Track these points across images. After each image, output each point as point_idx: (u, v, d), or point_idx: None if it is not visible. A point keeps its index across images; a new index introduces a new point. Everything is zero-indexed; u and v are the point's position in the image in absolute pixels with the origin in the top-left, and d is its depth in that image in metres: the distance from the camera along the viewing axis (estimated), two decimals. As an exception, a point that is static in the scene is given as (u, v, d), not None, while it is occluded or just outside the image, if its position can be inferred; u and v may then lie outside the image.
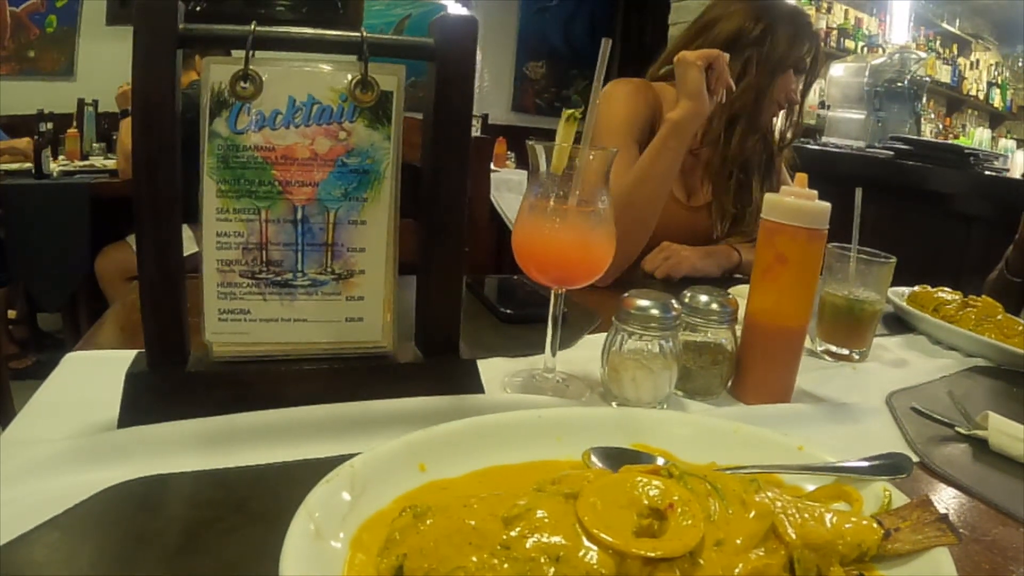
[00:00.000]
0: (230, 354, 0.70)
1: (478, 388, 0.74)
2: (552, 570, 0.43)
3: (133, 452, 0.62)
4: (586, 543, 0.44)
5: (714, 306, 0.83)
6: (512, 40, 6.04)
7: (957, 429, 0.86)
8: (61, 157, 3.79)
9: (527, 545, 0.44)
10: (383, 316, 0.72)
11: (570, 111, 0.77)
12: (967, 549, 0.62)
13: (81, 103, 4.09)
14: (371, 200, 0.71)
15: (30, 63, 4.54)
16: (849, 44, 4.95)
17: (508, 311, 1.04)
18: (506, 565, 0.44)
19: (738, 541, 0.47)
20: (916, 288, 1.42)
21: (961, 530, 0.64)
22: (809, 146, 3.30)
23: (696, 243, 1.50)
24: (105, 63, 4.29)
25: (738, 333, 0.88)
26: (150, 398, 0.66)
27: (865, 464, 0.65)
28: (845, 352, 1.10)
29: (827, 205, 0.81)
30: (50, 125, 3.73)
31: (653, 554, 0.43)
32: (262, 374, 0.70)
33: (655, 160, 1.26)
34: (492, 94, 5.85)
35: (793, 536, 0.49)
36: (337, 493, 0.52)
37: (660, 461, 0.61)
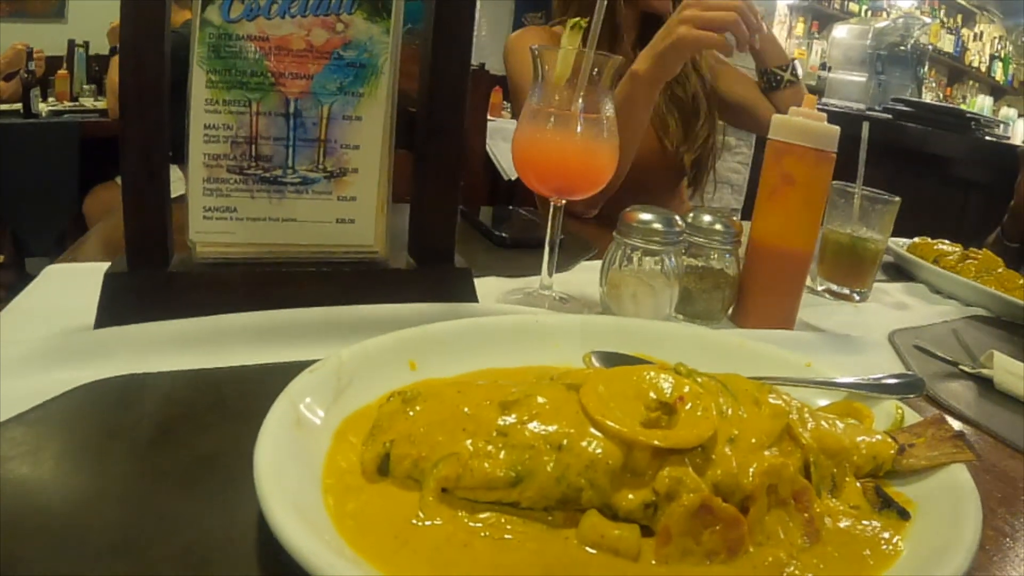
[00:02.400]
0: (215, 255, 0.66)
1: (472, 297, 0.70)
2: (553, 459, 0.40)
3: (108, 352, 0.58)
4: (591, 431, 0.41)
5: (718, 226, 0.80)
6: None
7: (961, 367, 0.83)
8: (51, 99, 3.69)
9: (526, 432, 0.41)
10: (376, 219, 0.68)
11: (575, 20, 0.72)
12: (977, 479, 0.59)
13: (72, 44, 3.98)
14: (367, 95, 0.66)
15: (21, 5, 4.39)
16: (853, 7, 4.86)
17: (504, 235, 1.00)
18: (503, 452, 0.40)
19: (752, 440, 0.43)
20: (916, 239, 1.39)
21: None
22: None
23: (650, 165, 1.41)
24: (96, 5, 4.16)
25: (741, 259, 0.84)
26: (129, 300, 0.62)
27: (876, 382, 0.62)
28: (846, 291, 1.07)
29: (836, 128, 0.77)
30: (40, 63, 3.61)
31: (663, 444, 0.40)
32: (247, 276, 0.66)
33: (626, 119, 1.19)
34: (490, 44, 5.71)
35: (809, 439, 0.46)
36: (322, 383, 0.49)
37: (666, 364, 0.57)
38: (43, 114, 3.22)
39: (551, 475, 0.40)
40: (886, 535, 0.43)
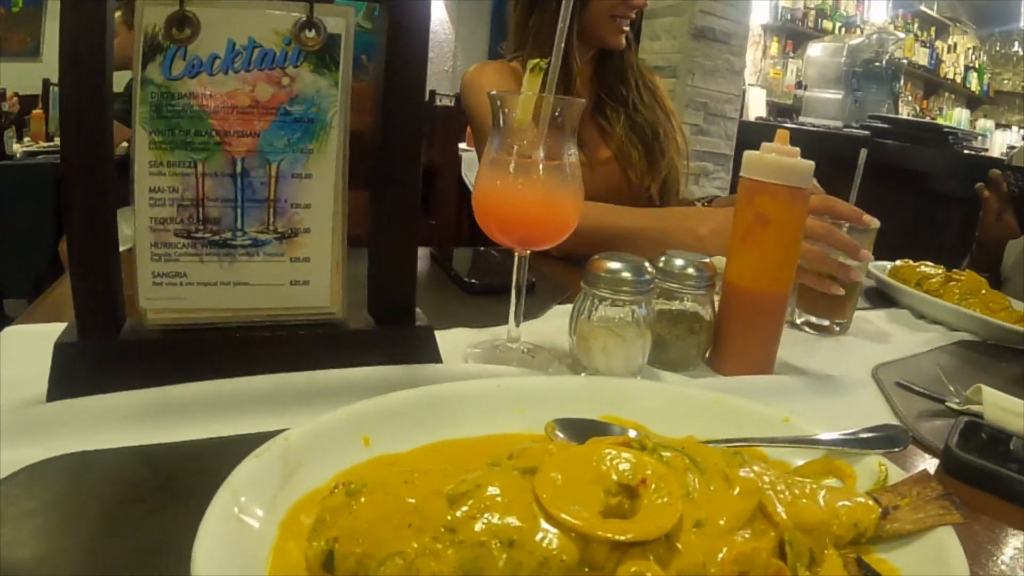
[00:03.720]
0: (167, 322, 0.63)
1: (435, 357, 0.67)
2: (504, 556, 0.37)
3: (58, 428, 0.56)
4: (544, 525, 0.38)
5: (690, 271, 0.77)
6: (486, 20, 5.91)
7: (948, 404, 0.80)
8: (26, 139, 3.66)
9: (476, 528, 0.38)
10: (331, 279, 0.65)
11: (535, 61, 0.70)
12: (968, 528, 0.57)
13: (47, 84, 3.96)
14: (317, 152, 0.64)
15: None
16: (827, 25, 4.90)
17: (472, 281, 0.97)
18: (451, 551, 0.37)
19: (721, 522, 0.41)
20: (898, 262, 1.38)
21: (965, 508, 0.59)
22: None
23: (616, 199, 1.39)
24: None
25: (716, 302, 0.82)
26: (80, 370, 0.60)
27: (857, 436, 0.60)
28: (826, 323, 1.05)
29: (810, 163, 0.75)
30: (14, 105, 3.59)
31: (623, 537, 0.37)
32: (199, 343, 0.63)
33: (639, 238, 1.17)
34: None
35: (784, 516, 0.43)
36: (268, 469, 0.46)
37: (632, 434, 0.55)
38: (17, 155, 3.19)
39: (502, 574, 0.37)
40: None
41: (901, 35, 4.18)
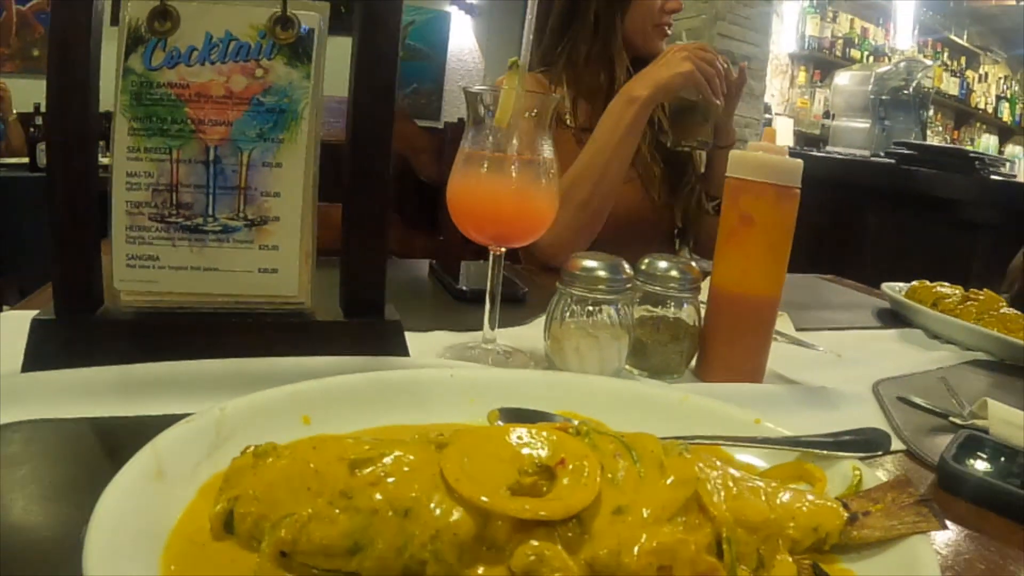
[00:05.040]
0: (139, 304, 0.63)
1: (402, 351, 0.64)
2: (397, 525, 0.34)
3: (25, 397, 0.55)
4: (446, 497, 0.34)
5: (674, 273, 0.73)
6: (516, 46, 5.86)
7: (951, 419, 0.74)
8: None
9: (372, 495, 0.35)
10: (299, 269, 0.64)
11: (514, 58, 0.67)
12: (961, 547, 0.51)
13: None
14: (288, 141, 0.63)
15: (33, 61, 4.52)
16: (855, 54, 4.79)
17: (462, 288, 0.94)
18: (344, 516, 0.34)
19: (646, 511, 0.37)
20: (914, 283, 1.30)
21: (957, 526, 0.53)
22: (813, 153, 3.16)
23: (639, 219, 1.36)
24: (107, 62, 4.22)
25: (703, 309, 0.77)
26: (53, 346, 0.59)
27: (831, 439, 0.54)
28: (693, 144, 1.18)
29: (798, 162, 0.71)
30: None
31: (524, 514, 0.33)
32: (170, 326, 0.62)
33: (617, 143, 1.16)
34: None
35: (723, 510, 0.39)
36: (197, 435, 0.44)
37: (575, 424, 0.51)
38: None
39: (392, 545, 0.34)
40: None
41: (928, 62, 4.05)
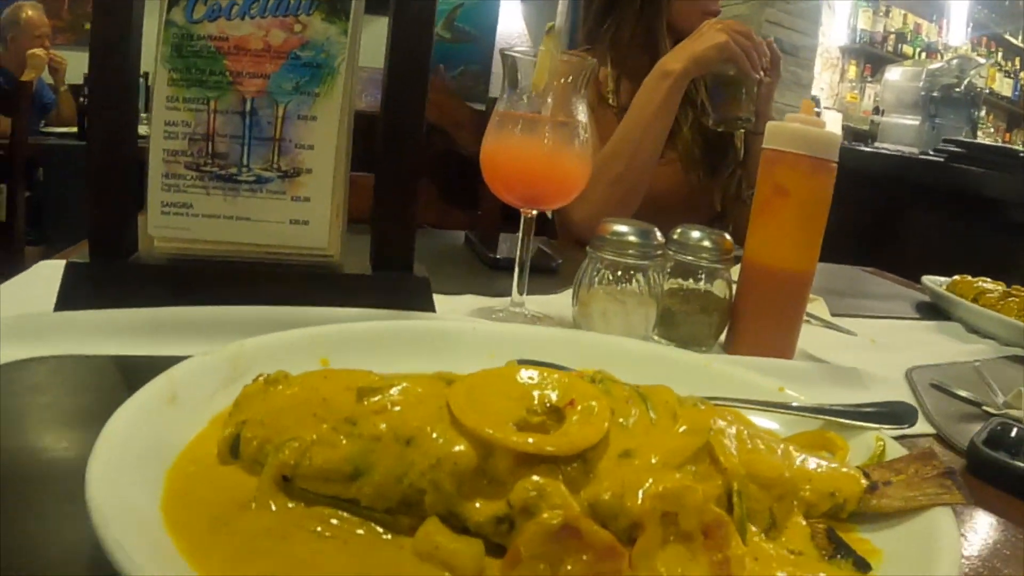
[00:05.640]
0: (172, 250, 0.63)
1: (428, 307, 0.63)
2: (398, 453, 0.32)
3: (53, 334, 0.55)
4: (449, 428, 0.33)
5: (706, 243, 0.70)
6: (566, 31, 5.74)
7: (985, 408, 0.70)
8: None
9: (376, 422, 0.34)
10: (330, 221, 0.63)
11: (551, 23, 0.65)
12: (986, 532, 0.47)
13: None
14: (323, 95, 0.62)
15: (85, 34, 4.56)
16: (907, 49, 4.59)
17: (496, 256, 0.92)
18: (346, 442, 0.33)
19: (655, 458, 0.34)
20: (955, 277, 1.24)
21: (983, 511, 0.49)
22: (861, 148, 3.04)
23: (676, 201, 1.31)
24: (149, 19, 4.22)
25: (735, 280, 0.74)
26: (85, 289, 0.59)
27: (855, 409, 0.51)
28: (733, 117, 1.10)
29: (836, 135, 0.67)
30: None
31: (527, 448, 0.31)
32: (200, 273, 0.62)
33: (651, 118, 1.12)
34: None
35: (735, 462, 0.36)
36: (214, 368, 0.44)
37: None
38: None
39: (392, 472, 0.32)
40: None
41: (982, 60, 3.87)
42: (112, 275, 0.60)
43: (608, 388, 0.38)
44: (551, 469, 0.32)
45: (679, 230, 0.72)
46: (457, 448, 0.32)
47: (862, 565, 0.35)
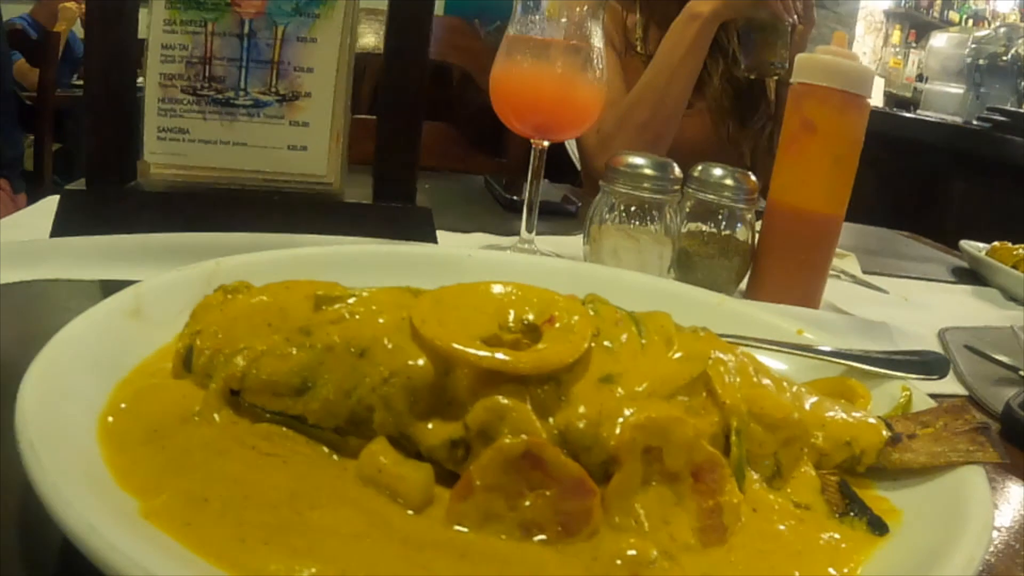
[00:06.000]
0: (169, 177, 0.59)
1: (430, 238, 0.58)
2: (350, 365, 0.27)
3: (45, 259, 0.52)
4: (407, 340, 0.28)
5: (728, 181, 0.63)
6: None
7: (1021, 373, 0.62)
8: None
9: (330, 333, 0.29)
10: (329, 148, 0.58)
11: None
12: (1018, 513, 0.41)
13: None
14: (323, 17, 0.57)
15: None
16: (953, 16, 4.29)
17: (512, 197, 0.86)
18: (298, 353, 0.28)
19: (641, 385, 0.29)
20: (995, 243, 1.14)
21: (1020, 488, 0.43)
22: (903, 115, 2.88)
23: (705, 152, 1.23)
24: None
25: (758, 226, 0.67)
26: (81, 216, 0.56)
27: (881, 355, 0.45)
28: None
29: (869, 69, 0.59)
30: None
31: (487, 364, 0.26)
32: (196, 199, 0.59)
33: (679, 63, 1.04)
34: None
35: (735, 397, 0.31)
36: (185, 284, 0.39)
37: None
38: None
39: (341, 386, 0.28)
40: (840, 553, 0.28)
41: (1030, 29, 3.59)
42: (107, 202, 0.57)
43: (597, 310, 0.32)
44: (518, 390, 0.27)
45: (700, 167, 0.65)
46: (412, 362, 0.27)
47: (878, 525, 0.30)
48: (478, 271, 0.47)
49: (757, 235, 0.67)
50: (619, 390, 0.28)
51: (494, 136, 1.18)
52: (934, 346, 0.65)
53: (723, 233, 0.65)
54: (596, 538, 0.25)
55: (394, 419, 0.27)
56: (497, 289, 0.31)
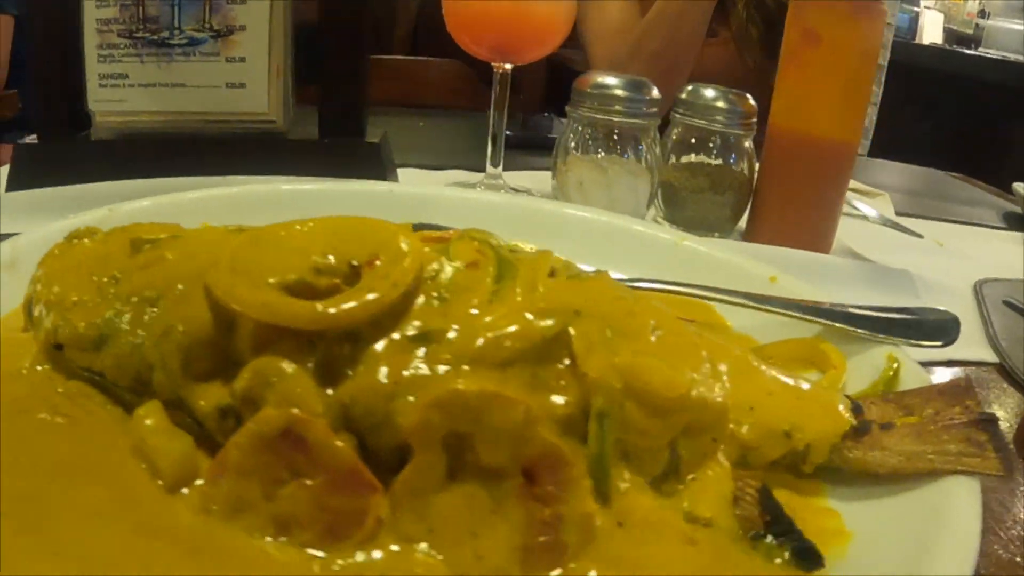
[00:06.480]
0: (115, 125, 0.57)
1: (381, 175, 0.52)
2: (140, 317, 0.23)
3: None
4: (196, 288, 0.24)
5: (720, 103, 0.55)
6: None
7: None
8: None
9: (138, 280, 0.25)
10: (268, 84, 0.53)
11: None
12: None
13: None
14: (252, -58, 0.50)
15: None
16: None
17: (508, 133, 0.79)
18: (102, 306, 0.25)
19: (469, 347, 0.22)
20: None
21: None
22: (964, 52, 2.58)
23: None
24: None
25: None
26: (34, 169, 0.55)
27: (870, 313, 0.36)
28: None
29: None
30: None
31: (258, 314, 0.21)
32: (143, 147, 0.56)
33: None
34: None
35: (605, 367, 0.23)
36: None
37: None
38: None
39: (130, 341, 0.23)
40: None
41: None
42: (60, 154, 0.55)
43: (454, 248, 0.26)
44: (298, 350, 0.21)
45: (689, 88, 0.56)
46: (190, 312, 0.22)
47: (807, 555, 0.22)
48: (394, 206, 0.42)
49: (757, 168, 0.58)
50: (432, 350, 0.22)
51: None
52: (966, 300, 0.55)
53: (715, 164, 0.57)
54: (372, 546, 0.19)
55: (169, 379, 0.22)
56: (329, 225, 0.26)
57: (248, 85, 0.53)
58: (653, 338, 0.25)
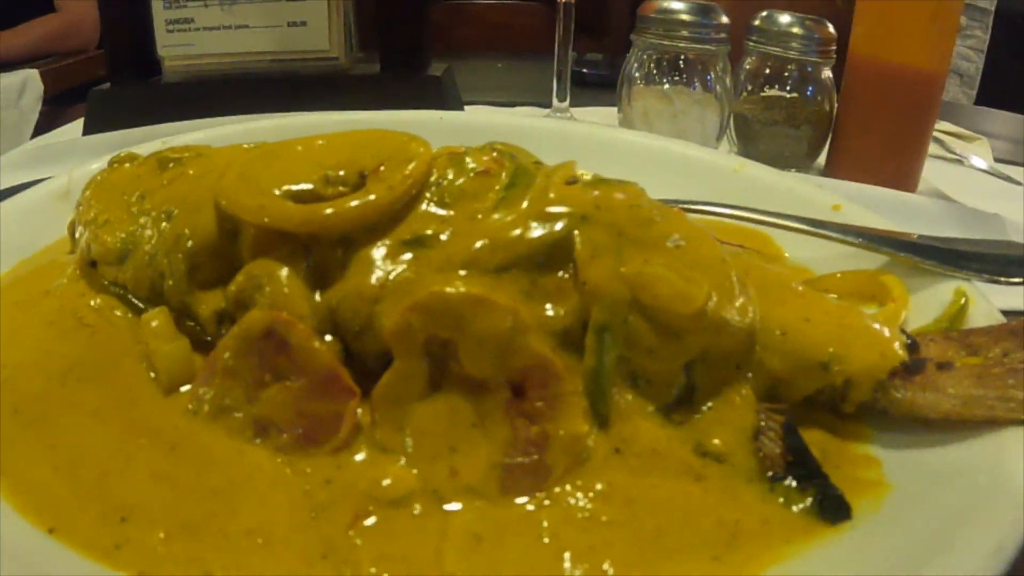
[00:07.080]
0: (183, 69, 0.58)
1: (441, 107, 0.52)
2: (156, 231, 0.25)
3: (79, 157, 0.52)
4: (207, 199, 0.24)
5: (796, 30, 0.49)
6: None
7: None
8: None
9: (160, 196, 0.26)
10: (329, 19, 0.53)
11: None
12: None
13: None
14: None
15: None
16: None
17: (582, 71, 0.76)
18: (127, 221, 0.27)
19: (465, 252, 0.20)
20: None
21: None
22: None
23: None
24: None
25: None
26: (108, 113, 0.57)
27: (940, 245, 0.31)
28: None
29: None
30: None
31: (254, 217, 0.20)
32: (205, 87, 0.56)
33: None
34: None
35: (610, 276, 0.20)
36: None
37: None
38: None
39: (147, 252, 0.24)
40: (745, 545, 0.18)
41: None
42: (132, 98, 0.57)
43: (470, 155, 0.24)
44: (293, 255, 0.20)
45: (763, 13, 0.50)
46: (198, 220, 0.22)
47: (832, 507, 0.18)
48: (452, 135, 0.40)
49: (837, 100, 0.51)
50: (426, 254, 0.20)
51: (594, 16, 1.05)
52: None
53: (790, 95, 0.51)
54: (344, 455, 0.18)
55: (176, 286, 0.22)
56: (347, 138, 0.25)
57: (309, 23, 0.53)
58: (671, 246, 0.22)
